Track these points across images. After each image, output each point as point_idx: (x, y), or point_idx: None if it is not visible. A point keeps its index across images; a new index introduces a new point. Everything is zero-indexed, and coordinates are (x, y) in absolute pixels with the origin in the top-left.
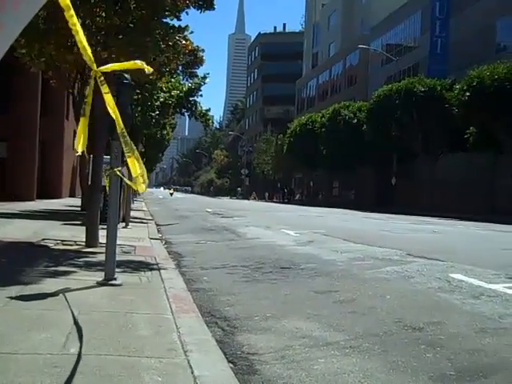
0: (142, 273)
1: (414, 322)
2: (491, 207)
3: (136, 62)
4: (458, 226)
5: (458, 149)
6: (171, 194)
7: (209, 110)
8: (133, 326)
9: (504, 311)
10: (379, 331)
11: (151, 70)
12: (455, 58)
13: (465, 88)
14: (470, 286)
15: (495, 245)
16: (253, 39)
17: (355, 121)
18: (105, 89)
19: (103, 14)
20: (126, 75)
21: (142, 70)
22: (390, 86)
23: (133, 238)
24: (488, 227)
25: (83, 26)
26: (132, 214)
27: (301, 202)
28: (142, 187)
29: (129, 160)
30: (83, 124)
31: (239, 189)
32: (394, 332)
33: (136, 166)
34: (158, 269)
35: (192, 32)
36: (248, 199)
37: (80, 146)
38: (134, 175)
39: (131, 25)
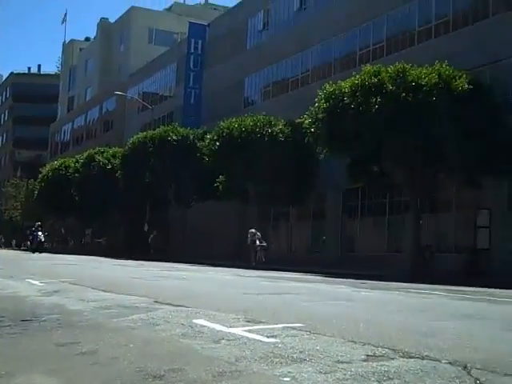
0: None
1: (155, 369)
2: (239, 253)
3: None
4: (207, 272)
5: (208, 197)
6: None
7: None
8: None
9: (240, 354)
10: (119, 382)
11: None
12: (209, 109)
13: (215, 138)
14: (211, 330)
15: (238, 289)
16: (4, 78)
17: (110, 167)
18: None
19: None
20: None
21: None
22: (145, 133)
23: None
24: (234, 272)
25: None
26: None
27: (51, 250)
28: None
29: None
30: None
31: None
32: (135, 381)
33: None
34: None
35: None
36: None
37: None
38: None
39: None
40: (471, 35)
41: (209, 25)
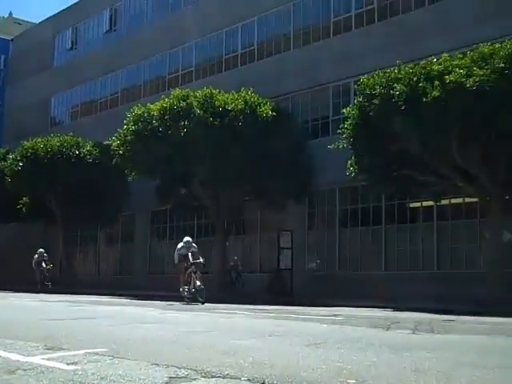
0: None
1: None
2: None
3: None
4: (7, 298)
5: (12, 219)
6: None
7: None
8: None
9: (35, 383)
10: None
11: None
12: (12, 127)
13: (18, 158)
14: (6, 361)
15: (41, 315)
16: None
17: None
18: None
19: None
20: None
21: None
22: None
23: None
24: (39, 298)
25: None
26: None
27: None
28: None
29: None
30: None
31: None
32: None
33: None
34: None
35: None
36: None
37: None
38: None
39: None
40: (274, 65)
41: (12, 39)
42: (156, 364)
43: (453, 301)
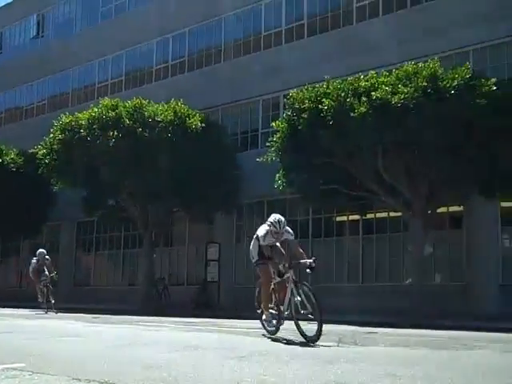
0: None
1: None
2: None
3: None
4: None
5: None
6: None
7: None
8: None
9: None
10: None
11: None
12: None
13: None
14: None
15: None
16: None
17: None
18: None
19: None
20: None
21: None
22: None
23: None
24: None
25: None
26: None
27: None
28: None
29: None
30: None
31: None
32: None
33: None
34: None
35: None
36: None
37: None
38: None
39: None
40: (205, 76)
41: None
42: (77, 379)
43: (377, 313)
